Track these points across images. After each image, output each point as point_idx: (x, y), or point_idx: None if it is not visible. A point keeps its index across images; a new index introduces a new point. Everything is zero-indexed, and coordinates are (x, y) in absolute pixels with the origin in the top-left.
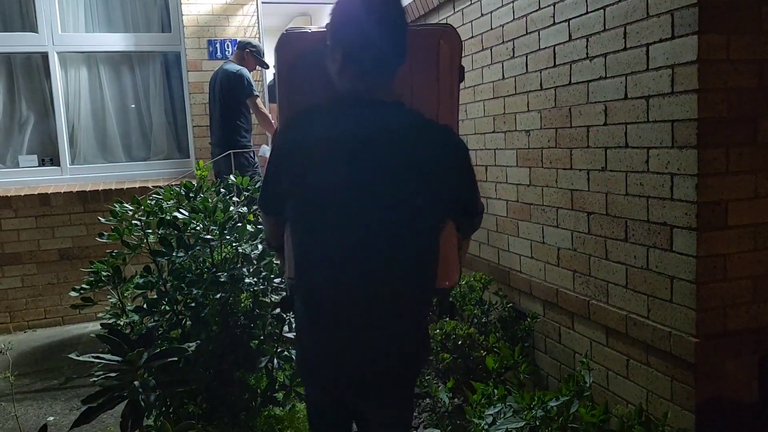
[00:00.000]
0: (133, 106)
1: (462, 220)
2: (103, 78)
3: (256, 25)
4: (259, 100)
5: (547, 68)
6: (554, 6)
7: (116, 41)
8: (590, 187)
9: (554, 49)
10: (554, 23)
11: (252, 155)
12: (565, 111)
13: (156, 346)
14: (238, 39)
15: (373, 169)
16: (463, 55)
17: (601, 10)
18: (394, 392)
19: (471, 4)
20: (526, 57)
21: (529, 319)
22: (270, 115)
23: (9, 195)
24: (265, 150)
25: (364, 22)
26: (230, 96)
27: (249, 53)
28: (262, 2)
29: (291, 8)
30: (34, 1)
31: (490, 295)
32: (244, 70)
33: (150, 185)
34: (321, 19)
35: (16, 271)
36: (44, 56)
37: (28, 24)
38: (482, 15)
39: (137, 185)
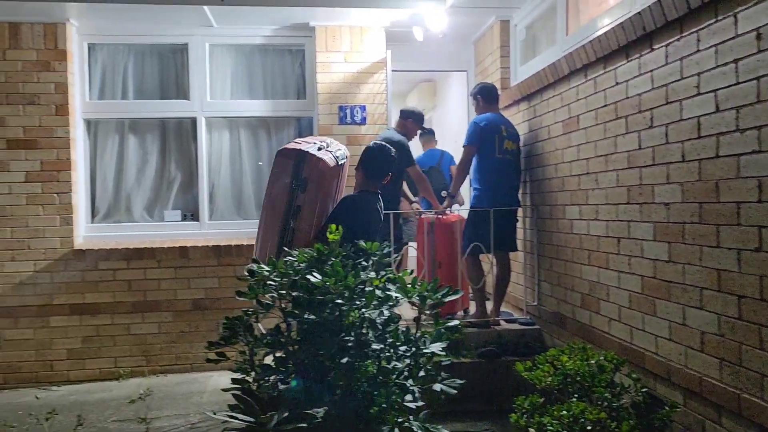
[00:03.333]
0: (260, 163)
1: None
2: (243, 141)
3: (385, 92)
4: (417, 168)
5: (690, 139)
6: (699, 76)
7: (256, 107)
8: (741, 269)
9: (698, 120)
10: (698, 93)
11: (412, 219)
12: (711, 185)
13: (285, 409)
14: (405, 108)
15: (377, 224)
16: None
17: (755, 81)
18: None
19: (604, 72)
20: (666, 127)
21: (667, 408)
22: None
23: (154, 247)
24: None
25: (376, 162)
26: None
27: (412, 122)
28: (392, 71)
29: (417, 75)
30: (188, 71)
31: (621, 376)
32: (405, 140)
33: None
34: (445, 86)
35: (155, 317)
36: (193, 121)
37: (182, 92)
38: (617, 83)
39: None
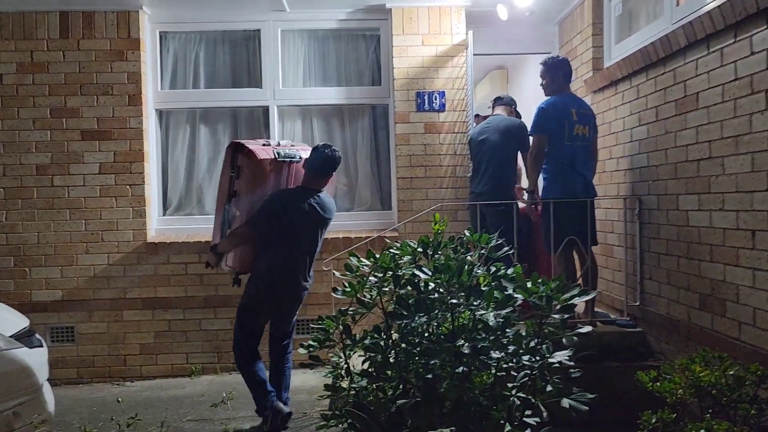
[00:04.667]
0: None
1: None
2: (316, 130)
3: (466, 76)
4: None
5: None
6: None
7: (330, 95)
8: None
9: None
10: None
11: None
12: None
13: (404, 426)
14: (501, 95)
15: (311, 219)
16: None
17: None
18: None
19: (735, 41)
20: None
21: None
22: None
23: None
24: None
25: (319, 161)
26: (512, 147)
27: (514, 109)
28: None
29: (488, 62)
30: (260, 59)
31: (762, 391)
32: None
33: (352, 236)
34: (517, 73)
35: (227, 313)
36: (265, 110)
37: (254, 80)
38: (753, 53)
39: (341, 236)
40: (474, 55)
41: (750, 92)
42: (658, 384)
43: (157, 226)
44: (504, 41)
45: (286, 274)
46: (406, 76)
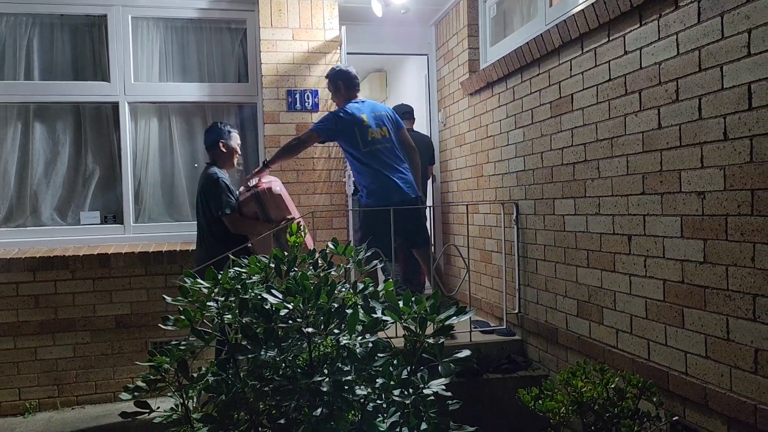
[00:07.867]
0: (196, 165)
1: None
2: (174, 130)
3: None
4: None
5: (736, 112)
6: (749, 33)
7: (190, 91)
8: None
9: (749, 87)
10: (749, 54)
11: None
12: None
13: None
14: (408, 107)
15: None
16: None
17: None
18: None
19: (609, 41)
20: (699, 100)
21: None
22: None
23: (67, 255)
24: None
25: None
26: (424, 158)
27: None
28: (347, 53)
29: (367, 64)
30: (107, 49)
31: (642, 402)
32: None
33: None
34: (397, 75)
35: (68, 339)
36: (114, 106)
37: (100, 73)
38: (626, 53)
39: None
40: (350, 54)
41: (624, 93)
42: (540, 402)
43: None
44: (381, 41)
45: None
46: (275, 72)
